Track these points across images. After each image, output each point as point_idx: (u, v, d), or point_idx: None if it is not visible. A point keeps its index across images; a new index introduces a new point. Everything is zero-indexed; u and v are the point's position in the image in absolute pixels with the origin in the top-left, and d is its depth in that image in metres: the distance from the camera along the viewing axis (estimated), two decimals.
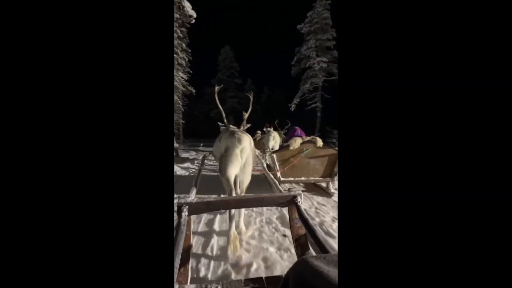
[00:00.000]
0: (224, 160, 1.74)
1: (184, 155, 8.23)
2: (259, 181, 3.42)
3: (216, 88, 2.21)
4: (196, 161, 6.65)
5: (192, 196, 1.37)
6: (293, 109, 13.77)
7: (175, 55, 9.75)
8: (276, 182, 1.72)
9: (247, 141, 1.79)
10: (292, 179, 2.99)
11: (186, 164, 6.09)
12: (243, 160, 1.75)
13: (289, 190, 2.57)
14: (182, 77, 11.38)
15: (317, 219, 2.13)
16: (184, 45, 11.60)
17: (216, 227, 1.98)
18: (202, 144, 13.53)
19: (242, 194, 1.84)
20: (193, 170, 5.27)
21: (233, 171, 1.74)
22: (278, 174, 2.94)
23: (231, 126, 2.19)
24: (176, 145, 6.23)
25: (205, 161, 3.35)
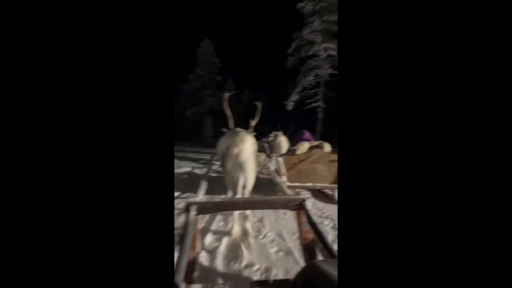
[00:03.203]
0: (225, 160, 2.34)
1: None
2: (264, 185, 4.14)
3: (227, 94, 2.93)
4: None
5: (201, 195, 1.78)
6: (291, 107, 14.01)
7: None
8: (284, 185, 2.25)
9: (249, 142, 2.32)
10: (298, 184, 3.72)
11: None
12: (244, 160, 2.28)
13: (298, 193, 3.27)
14: None
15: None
16: None
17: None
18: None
19: (248, 196, 2.41)
20: None
21: (234, 171, 2.34)
22: (284, 178, 3.62)
23: (238, 128, 2.82)
24: None
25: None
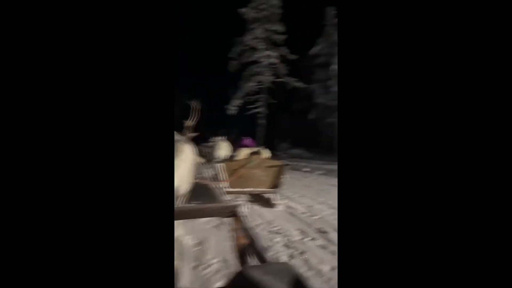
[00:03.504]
0: None
1: None
2: (203, 191, 4.02)
3: None
4: None
5: None
6: (235, 112, 14.12)
7: None
8: (221, 192, 2.17)
9: (187, 151, 2.34)
10: (238, 189, 3.82)
11: None
12: (182, 170, 2.24)
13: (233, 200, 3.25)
14: None
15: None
16: None
17: None
18: None
19: (181, 205, 2.29)
20: None
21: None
22: (224, 184, 3.69)
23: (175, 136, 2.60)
24: None
25: None
